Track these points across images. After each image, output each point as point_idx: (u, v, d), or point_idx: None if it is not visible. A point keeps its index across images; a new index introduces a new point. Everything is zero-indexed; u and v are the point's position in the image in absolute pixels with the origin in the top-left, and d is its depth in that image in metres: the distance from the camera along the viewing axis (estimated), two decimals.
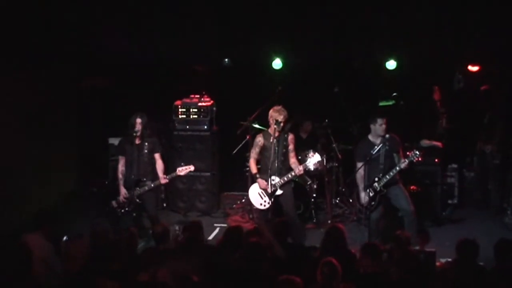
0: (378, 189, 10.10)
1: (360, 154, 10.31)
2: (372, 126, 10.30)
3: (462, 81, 12.16)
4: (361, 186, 10.25)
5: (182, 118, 12.59)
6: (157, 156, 10.67)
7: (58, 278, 7.96)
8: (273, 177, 10.18)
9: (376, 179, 10.08)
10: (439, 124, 12.18)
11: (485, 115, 11.95)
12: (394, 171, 10.02)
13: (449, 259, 8.12)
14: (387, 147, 10.16)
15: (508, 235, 10.28)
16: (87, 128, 13.15)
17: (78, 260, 7.71)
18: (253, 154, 10.52)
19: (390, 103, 12.24)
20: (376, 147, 10.15)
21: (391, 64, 12.26)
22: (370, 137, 10.35)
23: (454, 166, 12.42)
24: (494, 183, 11.98)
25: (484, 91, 11.87)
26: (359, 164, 10.22)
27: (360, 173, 10.22)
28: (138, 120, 10.42)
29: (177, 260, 7.48)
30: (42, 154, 12.02)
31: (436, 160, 11.87)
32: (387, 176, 10.05)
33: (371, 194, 10.05)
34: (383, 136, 10.17)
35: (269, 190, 10.18)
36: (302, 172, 10.26)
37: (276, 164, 10.17)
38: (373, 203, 10.08)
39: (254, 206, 10.77)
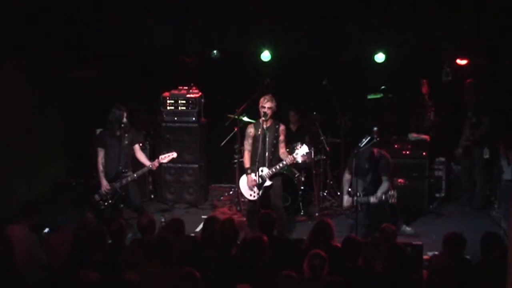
0: (359, 201, 10.21)
1: (349, 164, 10.47)
2: None
3: (450, 74, 12.16)
4: (345, 188, 10.54)
5: (170, 109, 12.55)
6: (136, 147, 10.68)
7: (43, 269, 7.94)
8: (261, 168, 10.20)
9: (358, 194, 10.15)
10: (427, 117, 12.18)
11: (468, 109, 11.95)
12: (371, 198, 10.22)
13: (436, 253, 8.14)
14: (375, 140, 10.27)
15: (495, 228, 10.35)
16: (75, 119, 13.09)
17: (61, 252, 7.68)
18: (247, 146, 10.50)
19: (378, 96, 12.25)
20: (364, 139, 10.25)
21: (379, 57, 12.25)
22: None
23: (442, 159, 12.43)
24: (481, 177, 11.98)
25: (469, 84, 11.85)
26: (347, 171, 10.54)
27: (346, 176, 10.54)
28: (125, 114, 10.40)
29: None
30: (29, 145, 11.98)
31: (424, 153, 11.88)
32: (368, 198, 10.21)
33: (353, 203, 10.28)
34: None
35: (257, 182, 10.18)
36: (292, 161, 10.28)
37: (267, 155, 10.21)
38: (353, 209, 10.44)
39: (244, 197, 10.79)
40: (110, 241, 8.11)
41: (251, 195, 10.47)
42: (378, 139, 10.49)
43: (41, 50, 11.89)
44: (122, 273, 7.15)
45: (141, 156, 10.69)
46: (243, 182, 10.60)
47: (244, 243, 7.78)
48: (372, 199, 10.20)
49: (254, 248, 7.39)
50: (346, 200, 10.46)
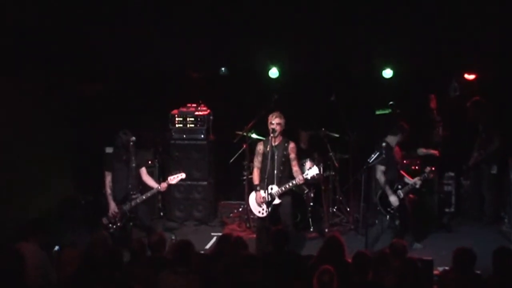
0: (402, 196, 10.66)
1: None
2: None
3: (458, 89, 12.17)
4: (387, 188, 10.79)
5: (178, 127, 12.59)
6: (143, 170, 10.68)
7: (53, 286, 7.94)
8: (271, 186, 10.19)
9: (400, 186, 10.55)
10: (435, 132, 12.17)
11: (477, 126, 11.93)
12: (417, 183, 10.70)
13: (446, 268, 8.11)
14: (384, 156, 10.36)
15: (505, 243, 10.31)
16: (83, 135, 13.12)
17: (71, 269, 7.67)
18: (256, 163, 10.51)
19: (387, 111, 12.25)
20: (373, 155, 10.31)
21: (387, 73, 12.26)
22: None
23: (451, 174, 12.41)
24: (490, 192, 11.95)
25: (474, 102, 11.84)
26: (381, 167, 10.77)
27: (380, 172, 10.85)
28: (132, 138, 10.41)
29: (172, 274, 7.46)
30: (37, 162, 11.98)
31: (433, 168, 11.84)
32: (413, 183, 10.70)
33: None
34: None
35: (266, 199, 10.18)
36: (302, 181, 10.27)
37: (275, 173, 10.19)
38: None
39: (252, 213, 10.78)
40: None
41: (259, 212, 10.46)
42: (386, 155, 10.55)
43: (50, 67, 11.93)
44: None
45: (148, 180, 10.68)
46: (252, 199, 10.60)
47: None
48: (418, 182, 10.67)
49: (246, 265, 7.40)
50: (395, 200, 10.73)
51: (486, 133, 11.78)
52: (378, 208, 10.93)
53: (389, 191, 10.72)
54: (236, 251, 7.94)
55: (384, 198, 10.79)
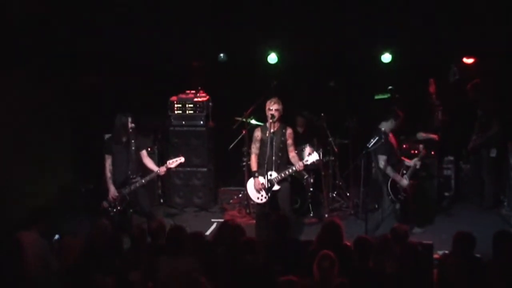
0: (408, 180, 10.73)
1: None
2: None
3: (457, 73, 12.16)
4: (395, 175, 10.78)
5: (178, 113, 12.57)
6: (143, 153, 10.64)
7: (53, 275, 7.96)
8: (270, 172, 10.18)
9: (404, 171, 10.69)
10: (435, 117, 12.16)
11: (476, 110, 11.94)
12: (417, 164, 10.85)
13: (446, 251, 8.13)
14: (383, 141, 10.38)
15: (505, 226, 10.33)
16: (83, 124, 13.12)
17: (72, 257, 7.69)
18: (254, 150, 10.48)
19: (386, 96, 12.23)
20: (372, 140, 10.32)
21: (386, 57, 12.26)
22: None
23: (451, 158, 12.43)
24: (489, 176, 11.96)
25: (474, 84, 11.83)
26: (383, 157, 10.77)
27: (383, 161, 10.81)
28: (131, 120, 10.38)
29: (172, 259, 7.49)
30: (37, 151, 12.00)
31: (432, 152, 11.87)
32: (414, 164, 10.83)
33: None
34: None
35: (265, 186, 10.18)
36: (302, 168, 10.26)
37: (274, 159, 10.17)
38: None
39: (251, 200, 10.78)
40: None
41: (258, 198, 10.45)
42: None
43: (49, 55, 11.92)
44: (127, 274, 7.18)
45: (148, 162, 10.65)
46: (250, 186, 10.59)
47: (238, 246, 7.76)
48: (417, 163, 10.80)
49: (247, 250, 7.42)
50: (407, 183, 10.81)
51: (486, 118, 11.77)
52: (390, 197, 10.89)
53: (397, 177, 10.71)
54: (236, 237, 7.97)
55: (394, 186, 10.78)
